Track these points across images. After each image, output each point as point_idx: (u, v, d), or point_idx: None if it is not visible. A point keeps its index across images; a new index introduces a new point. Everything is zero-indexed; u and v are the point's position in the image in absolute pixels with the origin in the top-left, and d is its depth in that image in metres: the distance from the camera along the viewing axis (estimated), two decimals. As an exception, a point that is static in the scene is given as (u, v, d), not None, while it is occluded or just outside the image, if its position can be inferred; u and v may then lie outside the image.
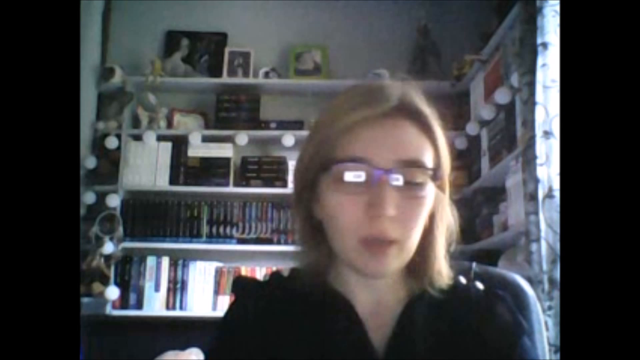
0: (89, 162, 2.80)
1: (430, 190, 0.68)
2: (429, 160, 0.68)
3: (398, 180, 0.65)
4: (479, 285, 0.71)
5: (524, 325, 0.69)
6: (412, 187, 0.66)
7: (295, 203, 0.74)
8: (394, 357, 0.68)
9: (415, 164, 0.67)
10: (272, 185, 2.81)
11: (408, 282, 0.72)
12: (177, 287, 2.75)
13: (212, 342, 0.74)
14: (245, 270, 2.77)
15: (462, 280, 0.72)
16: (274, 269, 0.80)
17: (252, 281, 0.80)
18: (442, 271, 0.70)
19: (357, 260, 0.67)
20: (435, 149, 0.69)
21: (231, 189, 2.83)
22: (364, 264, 0.66)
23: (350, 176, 0.66)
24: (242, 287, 0.78)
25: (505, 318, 0.69)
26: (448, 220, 0.72)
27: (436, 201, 0.70)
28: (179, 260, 2.77)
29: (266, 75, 2.97)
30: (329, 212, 0.68)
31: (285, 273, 0.77)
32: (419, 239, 0.69)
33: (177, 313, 2.72)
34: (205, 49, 3.08)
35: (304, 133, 2.67)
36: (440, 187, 0.71)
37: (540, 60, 1.81)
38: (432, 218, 0.70)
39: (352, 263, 0.68)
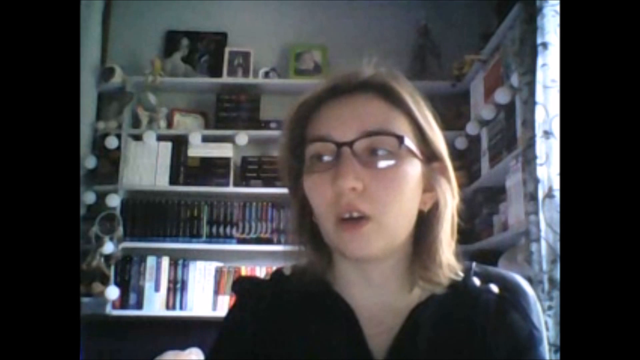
0: (89, 162, 2.80)
1: (407, 166, 0.66)
2: (398, 129, 0.66)
3: (360, 150, 0.64)
4: (494, 289, 0.69)
5: (540, 334, 0.68)
6: (380, 157, 0.65)
7: (290, 198, 0.73)
8: None
9: (380, 133, 0.65)
10: (272, 185, 2.81)
11: (410, 279, 0.69)
12: (177, 287, 2.75)
13: (213, 342, 0.74)
14: (245, 270, 2.77)
15: (476, 282, 0.70)
16: (274, 268, 0.79)
17: (253, 281, 0.79)
18: (443, 263, 0.67)
19: (338, 242, 0.65)
20: (414, 123, 0.68)
21: (231, 189, 2.83)
22: (344, 245, 0.65)
23: (318, 153, 0.66)
24: (242, 287, 0.77)
25: (520, 326, 0.68)
26: (452, 209, 0.69)
27: (435, 185, 0.68)
28: (179, 260, 2.77)
29: (266, 75, 2.97)
30: (309, 197, 0.68)
31: (287, 272, 0.75)
32: (419, 224, 0.67)
33: (177, 313, 2.72)
34: (205, 49, 3.08)
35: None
36: (441, 171, 0.69)
37: (540, 60, 1.81)
38: (433, 205, 0.68)
39: (336, 246, 0.67)
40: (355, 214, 0.64)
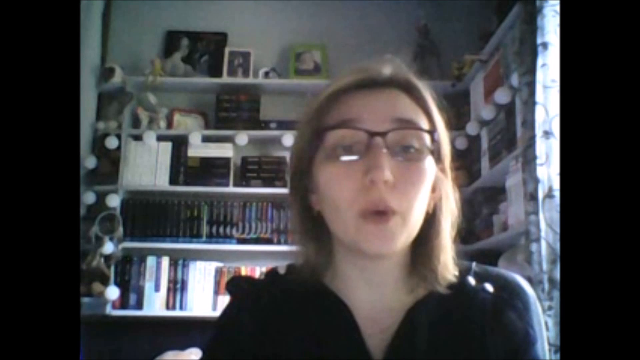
0: (89, 162, 2.80)
1: (429, 163, 0.66)
2: (424, 126, 0.67)
3: (392, 142, 0.63)
4: (489, 288, 0.69)
5: (535, 334, 0.68)
6: (409, 153, 0.65)
7: (291, 192, 0.72)
8: None
9: (411, 124, 0.65)
10: (272, 185, 2.82)
11: (412, 280, 0.69)
12: (177, 287, 2.75)
13: (208, 343, 0.73)
14: (245, 270, 2.77)
15: (472, 281, 0.70)
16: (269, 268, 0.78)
17: (248, 280, 0.78)
18: (448, 264, 0.68)
19: (359, 237, 0.63)
20: (431, 122, 0.68)
21: (231, 189, 2.83)
22: (367, 240, 0.63)
23: (341, 142, 0.65)
24: (238, 287, 0.76)
25: (516, 326, 0.67)
26: (453, 210, 0.70)
27: (439, 185, 0.68)
28: (179, 260, 2.77)
29: (266, 75, 2.97)
30: (325, 189, 0.66)
31: (282, 270, 0.75)
32: (422, 224, 0.67)
33: (177, 313, 2.72)
34: (205, 49, 3.08)
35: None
36: (443, 172, 0.70)
37: (540, 60, 1.81)
38: (436, 206, 0.69)
39: (354, 242, 0.64)
40: (382, 208, 0.63)
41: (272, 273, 0.76)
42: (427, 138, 0.66)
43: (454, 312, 0.68)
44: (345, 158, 0.64)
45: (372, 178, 0.62)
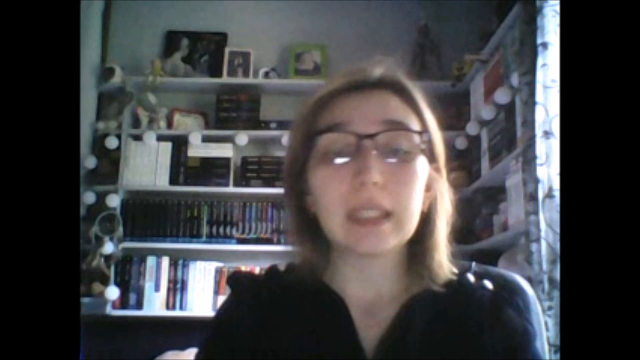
0: (89, 162, 2.80)
1: (421, 163, 0.67)
2: (415, 126, 0.67)
3: (381, 144, 0.64)
4: (488, 285, 0.69)
5: (534, 331, 0.68)
6: (399, 155, 0.65)
7: (286, 194, 0.73)
8: (384, 358, 0.66)
9: (400, 126, 0.66)
10: (272, 185, 2.82)
11: (408, 278, 0.70)
12: (177, 287, 2.75)
13: (206, 336, 0.74)
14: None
15: (471, 278, 0.70)
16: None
17: (249, 277, 0.78)
18: (443, 263, 0.68)
19: (350, 238, 0.65)
20: (423, 123, 0.69)
21: (231, 189, 2.84)
22: (357, 240, 0.64)
23: (332, 146, 0.66)
24: (239, 283, 0.77)
25: (515, 323, 0.67)
26: (447, 209, 0.70)
27: (433, 184, 0.69)
28: (179, 260, 2.78)
29: (266, 75, 2.97)
30: (317, 192, 0.67)
31: (282, 267, 0.76)
32: (418, 223, 0.67)
33: (177, 313, 2.72)
34: (205, 49, 3.08)
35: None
36: (437, 171, 0.70)
37: (540, 60, 1.81)
38: (431, 205, 0.69)
39: (343, 241, 0.66)
40: (375, 211, 0.64)
41: (272, 270, 0.77)
42: (417, 139, 0.67)
43: (451, 308, 0.69)
44: (337, 161, 0.65)
45: (362, 180, 0.63)
